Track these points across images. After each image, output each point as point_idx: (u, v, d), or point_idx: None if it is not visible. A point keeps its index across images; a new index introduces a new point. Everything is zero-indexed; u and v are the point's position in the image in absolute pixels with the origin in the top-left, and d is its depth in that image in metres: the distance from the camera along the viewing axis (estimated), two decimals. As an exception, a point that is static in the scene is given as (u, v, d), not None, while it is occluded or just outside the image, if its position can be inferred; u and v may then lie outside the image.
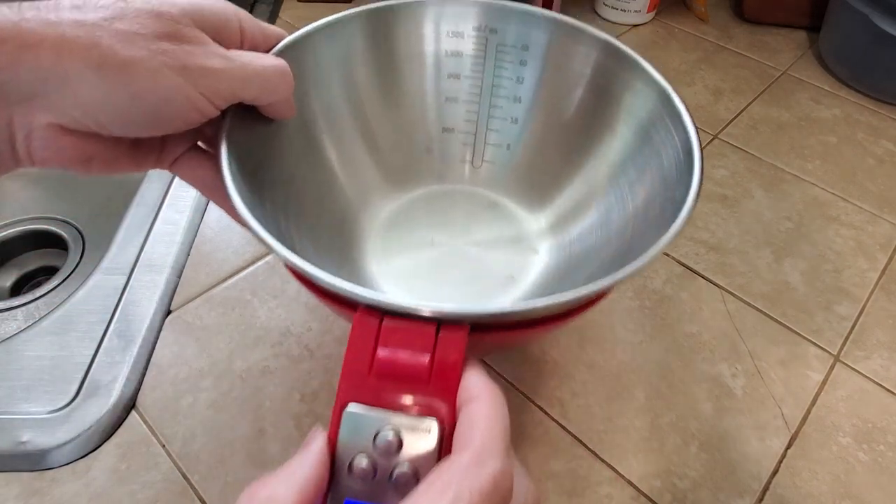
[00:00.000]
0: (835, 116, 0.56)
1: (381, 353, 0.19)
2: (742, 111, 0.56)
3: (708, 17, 0.68)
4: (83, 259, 0.50)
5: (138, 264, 0.40)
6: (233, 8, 0.24)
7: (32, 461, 0.31)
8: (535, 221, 0.36)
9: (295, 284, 0.39)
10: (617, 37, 0.65)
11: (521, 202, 0.37)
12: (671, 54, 0.63)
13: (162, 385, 0.34)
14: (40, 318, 0.37)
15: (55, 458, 0.31)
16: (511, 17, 0.34)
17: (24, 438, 0.31)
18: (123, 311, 0.37)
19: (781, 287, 0.42)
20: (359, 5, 0.32)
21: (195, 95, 0.21)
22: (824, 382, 0.37)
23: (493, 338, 0.23)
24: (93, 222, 0.52)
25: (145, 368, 0.35)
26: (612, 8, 0.66)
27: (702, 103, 0.57)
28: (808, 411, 0.35)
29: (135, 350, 0.35)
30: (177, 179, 0.45)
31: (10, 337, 0.36)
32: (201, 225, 0.42)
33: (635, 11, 0.66)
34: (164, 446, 0.32)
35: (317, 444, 0.19)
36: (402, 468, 0.18)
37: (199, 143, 0.27)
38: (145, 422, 0.33)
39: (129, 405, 0.33)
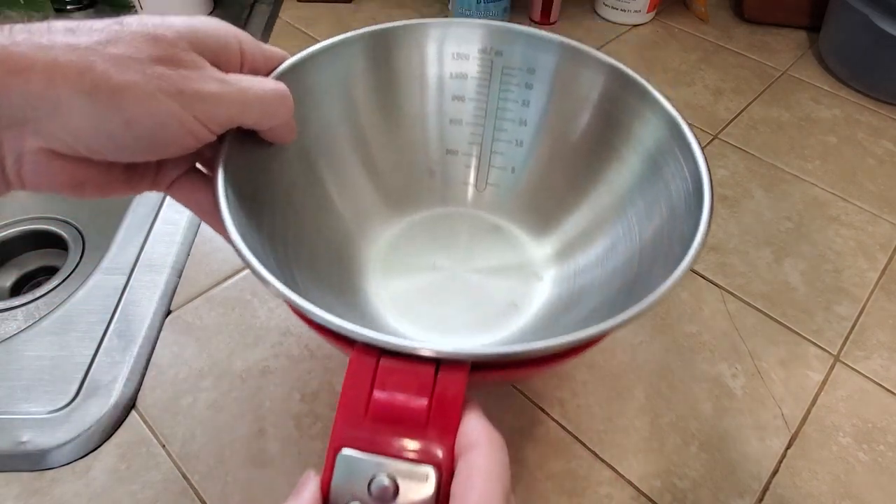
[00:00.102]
0: (835, 116, 0.56)
1: (378, 395, 0.19)
2: (742, 111, 0.56)
3: (708, 17, 0.68)
4: (83, 259, 0.50)
5: (138, 264, 0.40)
6: (233, 30, 0.23)
7: (32, 461, 0.31)
8: (540, 248, 0.35)
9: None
10: (617, 37, 0.65)
11: (525, 227, 0.36)
12: (671, 54, 0.63)
13: (162, 385, 0.34)
14: (40, 318, 0.37)
15: (55, 458, 0.31)
16: (517, 40, 0.33)
17: (24, 438, 0.31)
18: (123, 311, 0.37)
19: (781, 287, 0.42)
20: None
21: (190, 121, 0.20)
22: (824, 382, 0.37)
23: (493, 376, 0.22)
24: (93, 222, 0.52)
25: (145, 368, 0.35)
26: (612, 8, 0.66)
27: (702, 103, 0.57)
28: (808, 411, 0.35)
29: (135, 350, 0.35)
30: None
31: (10, 337, 0.36)
32: (201, 225, 0.42)
33: (635, 11, 0.66)
34: (164, 446, 0.32)
35: (309, 490, 0.18)
36: None
37: (198, 165, 0.26)
38: (145, 422, 0.33)
39: (129, 405, 0.33)
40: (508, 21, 0.65)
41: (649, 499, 0.31)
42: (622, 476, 0.32)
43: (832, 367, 0.37)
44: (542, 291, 0.33)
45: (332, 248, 0.33)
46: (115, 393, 0.33)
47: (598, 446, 0.33)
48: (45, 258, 0.53)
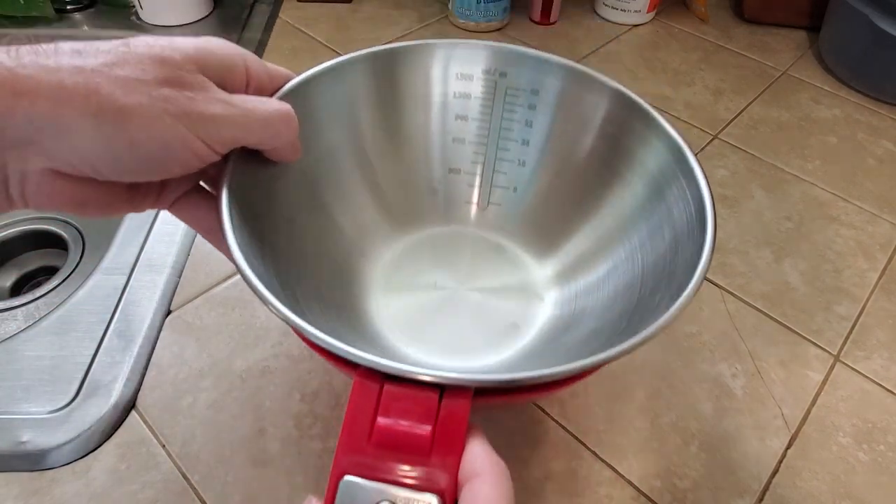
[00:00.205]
0: (835, 116, 0.56)
1: (382, 421, 0.19)
2: (742, 111, 0.56)
3: (708, 17, 0.68)
4: (83, 259, 0.50)
5: (138, 264, 0.40)
6: (239, 51, 0.24)
7: (32, 461, 0.31)
8: (542, 269, 0.35)
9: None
10: (617, 37, 0.65)
11: (527, 247, 0.36)
12: (671, 54, 0.63)
13: (162, 385, 0.34)
14: (40, 318, 0.37)
15: (55, 458, 0.31)
16: (522, 62, 0.33)
17: (24, 438, 0.31)
18: (123, 311, 0.37)
19: (781, 287, 0.42)
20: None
21: (195, 142, 0.21)
22: (824, 382, 0.37)
23: (495, 401, 0.23)
24: (93, 222, 0.52)
25: (145, 368, 0.35)
26: (612, 8, 0.66)
27: (702, 103, 0.57)
28: (808, 411, 0.35)
29: (135, 350, 0.35)
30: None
31: (10, 337, 0.36)
32: (201, 225, 0.42)
33: (635, 11, 0.66)
34: (164, 446, 0.32)
35: None
36: None
37: (202, 183, 0.26)
38: (145, 422, 0.33)
39: (129, 405, 0.33)
40: (508, 21, 0.65)
41: (649, 499, 0.31)
42: (622, 476, 0.32)
43: (832, 367, 0.37)
44: (543, 312, 0.33)
45: (334, 266, 0.33)
46: (115, 393, 0.33)
47: (598, 446, 0.33)
48: (45, 258, 0.53)
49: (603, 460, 0.32)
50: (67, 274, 0.49)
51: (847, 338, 0.39)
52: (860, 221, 0.46)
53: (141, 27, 0.61)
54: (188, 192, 0.26)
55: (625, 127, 0.31)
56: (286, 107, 0.24)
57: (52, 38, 0.20)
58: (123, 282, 0.39)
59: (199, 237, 0.42)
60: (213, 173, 0.25)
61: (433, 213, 0.37)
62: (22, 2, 0.58)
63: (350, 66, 0.32)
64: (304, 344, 0.36)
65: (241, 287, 0.39)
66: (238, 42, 0.60)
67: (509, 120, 0.35)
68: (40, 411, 0.32)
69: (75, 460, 0.31)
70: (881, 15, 0.54)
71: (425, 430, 0.19)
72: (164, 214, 0.43)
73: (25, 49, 0.19)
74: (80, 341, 0.35)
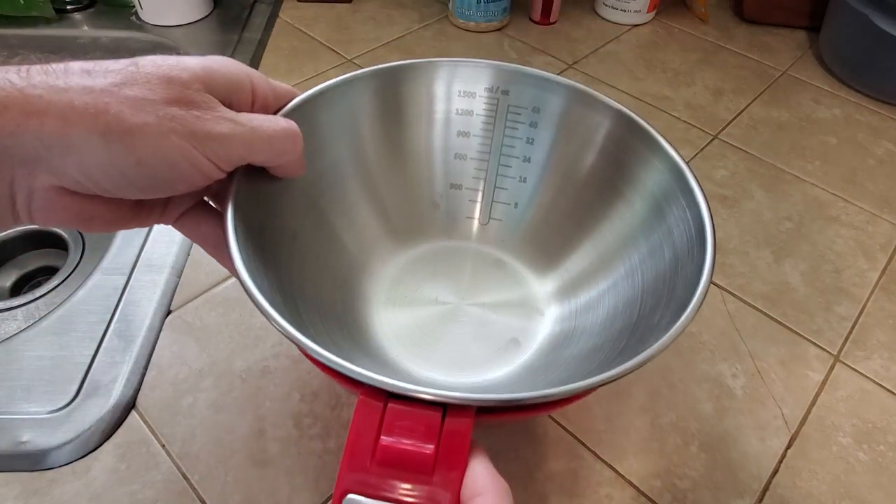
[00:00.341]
0: (835, 116, 0.56)
1: (385, 440, 0.19)
2: (742, 111, 0.56)
3: (708, 17, 0.68)
4: (83, 259, 0.50)
5: (138, 264, 0.40)
6: (245, 69, 0.24)
7: (32, 461, 0.31)
8: (542, 285, 0.35)
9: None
10: (617, 37, 0.65)
11: (528, 263, 0.36)
12: (671, 54, 0.63)
13: (162, 385, 0.34)
14: (40, 318, 0.37)
15: (55, 458, 0.31)
16: (524, 81, 0.33)
17: (24, 438, 0.31)
18: (123, 311, 0.37)
19: (781, 287, 0.42)
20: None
21: (202, 161, 0.21)
22: (824, 382, 0.37)
23: (497, 418, 0.23)
24: (93, 222, 0.52)
25: (145, 368, 0.35)
26: (612, 8, 0.66)
27: (702, 103, 0.57)
28: (808, 411, 0.35)
29: (135, 350, 0.35)
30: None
31: (10, 337, 0.36)
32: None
33: (635, 11, 0.66)
34: (164, 446, 0.32)
35: None
36: None
37: (206, 199, 0.27)
38: (145, 422, 0.33)
39: (129, 405, 0.33)
40: (508, 21, 0.65)
41: (649, 499, 0.31)
42: (622, 476, 0.32)
43: (832, 367, 0.37)
44: (544, 328, 0.34)
45: (336, 280, 0.33)
46: (115, 393, 0.33)
47: (598, 446, 0.33)
48: (45, 258, 0.53)
49: (603, 460, 0.32)
50: (67, 274, 0.49)
51: (847, 338, 0.39)
52: (860, 221, 0.46)
53: (141, 27, 0.61)
54: (192, 207, 0.26)
55: (626, 146, 0.31)
56: (292, 125, 0.24)
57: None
58: (123, 282, 0.39)
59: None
60: (218, 189, 0.26)
61: (435, 229, 0.37)
62: (22, 2, 0.58)
63: (354, 83, 0.32)
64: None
65: (241, 287, 0.39)
66: (238, 42, 0.60)
67: (511, 137, 0.35)
68: (40, 411, 0.32)
69: (75, 460, 0.31)
70: (881, 15, 0.54)
71: (428, 448, 0.19)
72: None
73: (36, 69, 0.19)
74: (80, 341, 0.35)
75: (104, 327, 0.36)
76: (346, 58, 0.59)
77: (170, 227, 0.26)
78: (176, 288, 0.39)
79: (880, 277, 0.43)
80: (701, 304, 0.23)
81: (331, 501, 0.18)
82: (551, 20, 0.66)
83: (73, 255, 0.50)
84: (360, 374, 0.19)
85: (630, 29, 0.66)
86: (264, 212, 0.27)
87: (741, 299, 0.41)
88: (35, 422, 0.32)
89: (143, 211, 0.24)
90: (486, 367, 0.32)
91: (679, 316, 0.23)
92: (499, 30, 0.65)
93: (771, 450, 0.33)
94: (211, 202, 0.27)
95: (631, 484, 0.32)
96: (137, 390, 0.34)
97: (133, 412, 0.33)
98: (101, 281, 0.39)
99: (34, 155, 0.19)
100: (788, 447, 0.34)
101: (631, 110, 0.31)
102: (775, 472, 0.33)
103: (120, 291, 0.38)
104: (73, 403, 0.33)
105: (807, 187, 0.49)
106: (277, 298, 0.24)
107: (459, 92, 0.34)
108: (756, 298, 0.41)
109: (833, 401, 0.36)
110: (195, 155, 0.21)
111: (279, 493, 0.30)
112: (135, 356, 0.35)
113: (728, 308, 0.40)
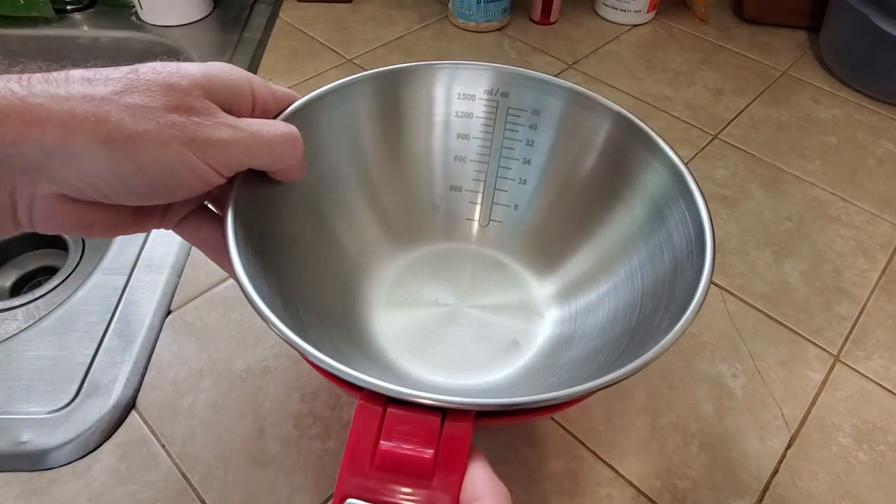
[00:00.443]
0: (835, 116, 0.56)
1: (385, 445, 0.19)
2: (742, 111, 0.56)
3: (708, 17, 0.68)
4: (83, 259, 0.50)
5: (138, 264, 0.40)
6: (245, 75, 0.24)
7: (32, 461, 0.31)
8: (542, 287, 0.35)
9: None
10: (617, 37, 0.65)
11: (528, 265, 0.36)
12: (671, 54, 0.63)
13: (162, 385, 0.34)
14: (40, 318, 0.37)
15: (55, 458, 0.31)
16: (524, 83, 0.34)
17: (24, 438, 0.31)
18: (123, 311, 0.37)
19: (781, 287, 0.42)
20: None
21: (202, 167, 0.21)
22: (824, 382, 0.37)
23: (497, 422, 0.23)
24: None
25: (145, 368, 0.35)
26: (612, 8, 0.66)
27: (702, 103, 0.57)
28: (808, 411, 0.35)
29: (135, 350, 0.35)
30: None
31: (10, 337, 0.36)
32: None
33: (635, 11, 0.66)
34: (164, 446, 0.32)
35: None
36: None
37: (206, 203, 0.27)
38: (145, 422, 0.33)
39: (129, 405, 0.33)
40: (508, 21, 0.65)
41: (649, 499, 0.31)
42: (622, 476, 0.32)
43: (832, 367, 0.37)
44: (544, 330, 0.34)
45: (337, 284, 0.33)
46: (115, 393, 0.33)
47: (598, 446, 0.33)
48: (45, 258, 0.53)
49: (603, 460, 0.32)
50: (67, 274, 0.49)
51: (847, 338, 0.39)
52: (860, 221, 0.46)
53: (141, 27, 0.61)
54: (192, 212, 0.26)
55: (626, 149, 0.31)
56: (292, 129, 0.24)
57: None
58: (123, 282, 0.39)
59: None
60: (218, 193, 0.26)
61: (435, 231, 0.37)
62: (22, 2, 0.58)
63: (353, 86, 0.32)
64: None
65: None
66: (238, 42, 0.60)
67: (511, 139, 0.35)
68: (40, 411, 0.32)
69: (75, 460, 0.31)
70: (881, 15, 0.54)
71: (428, 453, 0.19)
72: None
73: (37, 77, 0.19)
74: (80, 341, 0.35)
75: (104, 327, 0.36)
76: (346, 58, 0.59)
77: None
78: (176, 288, 0.39)
79: (880, 277, 0.43)
80: (700, 307, 0.23)
81: (331, 502, 0.18)
82: (551, 20, 0.66)
83: (73, 255, 0.50)
84: (359, 378, 0.19)
85: (630, 29, 0.66)
86: (264, 216, 0.27)
87: (741, 299, 0.41)
88: (35, 422, 0.32)
89: (143, 216, 0.24)
90: (487, 369, 0.32)
91: (678, 319, 0.23)
92: (499, 30, 0.65)
93: (771, 450, 0.33)
94: (211, 206, 0.27)
95: (631, 484, 0.32)
96: (137, 390, 0.34)
97: (133, 412, 0.33)
98: (101, 281, 0.39)
99: (35, 163, 0.19)
100: (788, 447, 0.34)
101: (630, 112, 0.31)
102: (775, 472, 0.33)
103: (120, 291, 0.38)
104: (73, 403, 0.33)
105: (807, 187, 0.49)
106: (277, 302, 0.24)
107: (459, 94, 0.34)
108: (756, 298, 0.41)
109: (833, 401, 0.36)
110: (196, 161, 0.21)
111: (279, 493, 0.30)
112: (135, 356, 0.35)
113: (728, 308, 0.40)
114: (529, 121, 0.34)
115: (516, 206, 0.36)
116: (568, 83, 0.33)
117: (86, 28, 0.61)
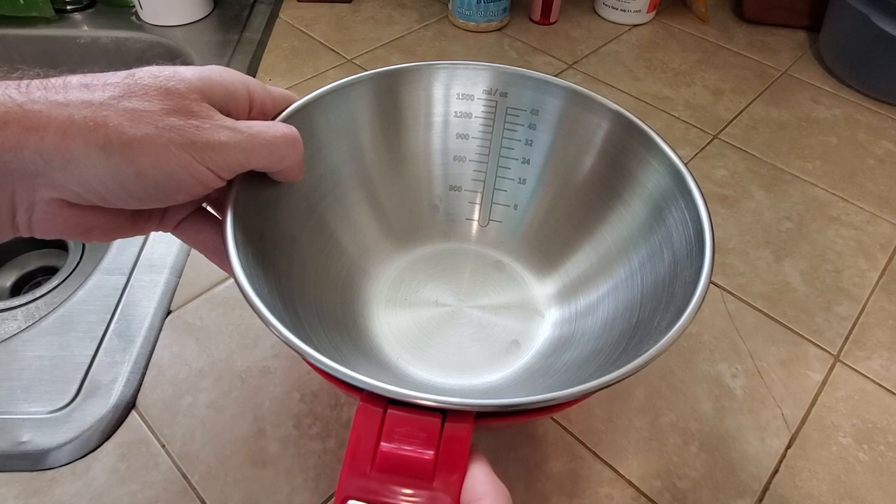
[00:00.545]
0: (835, 116, 0.56)
1: (385, 446, 0.19)
2: (742, 111, 0.56)
3: (708, 17, 0.68)
4: (83, 259, 0.50)
5: (138, 264, 0.40)
6: (242, 77, 0.24)
7: (32, 461, 0.31)
8: (542, 287, 0.35)
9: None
10: (617, 37, 0.65)
11: (528, 265, 0.36)
12: (671, 54, 0.63)
13: (162, 385, 0.34)
14: (40, 318, 0.37)
15: (55, 458, 0.31)
16: (523, 83, 0.33)
17: (24, 438, 0.31)
18: (123, 311, 0.37)
19: (781, 287, 0.42)
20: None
21: (201, 170, 0.21)
22: (824, 382, 0.37)
23: (497, 422, 0.23)
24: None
25: (145, 368, 0.35)
26: (612, 8, 0.66)
27: (702, 103, 0.57)
28: (808, 411, 0.35)
29: (135, 350, 0.35)
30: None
31: (10, 337, 0.36)
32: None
33: (635, 11, 0.66)
34: (164, 446, 0.32)
35: None
36: None
37: (205, 205, 0.27)
38: (145, 422, 0.33)
39: (129, 405, 0.33)
40: (508, 21, 0.65)
41: (649, 499, 0.31)
42: (622, 476, 0.32)
43: (832, 367, 0.37)
44: (543, 330, 0.34)
45: (336, 284, 0.33)
46: (115, 393, 0.33)
47: (598, 446, 0.33)
48: (45, 258, 0.53)
49: (603, 460, 0.32)
50: (67, 274, 0.49)
51: (847, 338, 0.39)
52: (860, 221, 0.46)
53: (141, 27, 0.61)
54: (191, 214, 0.26)
55: (625, 148, 0.31)
56: (291, 129, 0.24)
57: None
58: (123, 282, 0.39)
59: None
60: (217, 196, 0.26)
61: (434, 231, 0.37)
62: (22, 2, 0.58)
63: (352, 87, 0.32)
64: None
65: (241, 287, 0.39)
66: (238, 42, 0.60)
67: (510, 139, 0.35)
68: (40, 411, 0.32)
69: (75, 460, 0.31)
70: (881, 15, 0.54)
71: (428, 454, 0.19)
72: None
73: (35, 83, 0.19)
74: (80, 341, 0.35)
75: (104, 327, 0.36)
76: (346, 58, 0.59)
77: (169, 230, 0.26)
78: (176, 288, 0.39)
79: (880, 277, 0.43)
80: (699, 307, 0.23)
81: (331, 502, 0.18)
82: (551, 20, 0.66)
83: (73, 255, 0.50)
84: (359, 380, 0.20)
85: (630, 29, 0.66)
86: (263, 217, 0.27)
87: (741, 299, 0.41)
88: (35, 422, 0.32)
89: (141, 219, 0.24)
90: (486, 369, 0.32)
91: (678, 319, 0.23)
92: (499, 30, 0.65)
93: (771, 450, 0.33)
94: (209, 208, 0.27)
95: (631, 484, 0.32)
96: (137, 390, 0.34)
97: (133, 412, 0.33)
98: (101, 281, 0.39)
99: (34, 169, 0.19)
100: (788, 447, 0.34)
101: (630, 111, 0.31)
102: (775, 472, 0.33)
103: (120, 291, 0.38)
104: (73, 403, 0.33)
105: (807, 187, 0.49)
106: (277, 304, 0.24)
107: (458, 94, 0.34)
108: (756, 298, 0.41)
109: (833, 401, 0.36)
110: (194, 165, 0.21)
111: (279, 493, 0.30)
112: (135, 356, 0.35)
113: (728, 308, 0.40)
114: (528, 120, 0.34)
115: (516, 206, 0.36)
116: (566, 83, 0.33)
117: (86, 28, 0.61)
